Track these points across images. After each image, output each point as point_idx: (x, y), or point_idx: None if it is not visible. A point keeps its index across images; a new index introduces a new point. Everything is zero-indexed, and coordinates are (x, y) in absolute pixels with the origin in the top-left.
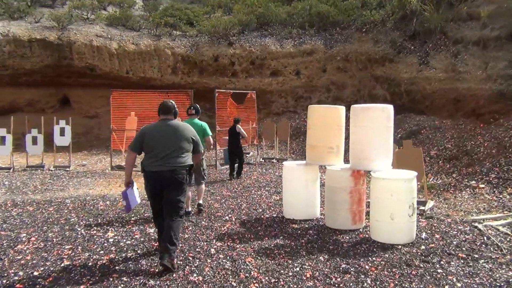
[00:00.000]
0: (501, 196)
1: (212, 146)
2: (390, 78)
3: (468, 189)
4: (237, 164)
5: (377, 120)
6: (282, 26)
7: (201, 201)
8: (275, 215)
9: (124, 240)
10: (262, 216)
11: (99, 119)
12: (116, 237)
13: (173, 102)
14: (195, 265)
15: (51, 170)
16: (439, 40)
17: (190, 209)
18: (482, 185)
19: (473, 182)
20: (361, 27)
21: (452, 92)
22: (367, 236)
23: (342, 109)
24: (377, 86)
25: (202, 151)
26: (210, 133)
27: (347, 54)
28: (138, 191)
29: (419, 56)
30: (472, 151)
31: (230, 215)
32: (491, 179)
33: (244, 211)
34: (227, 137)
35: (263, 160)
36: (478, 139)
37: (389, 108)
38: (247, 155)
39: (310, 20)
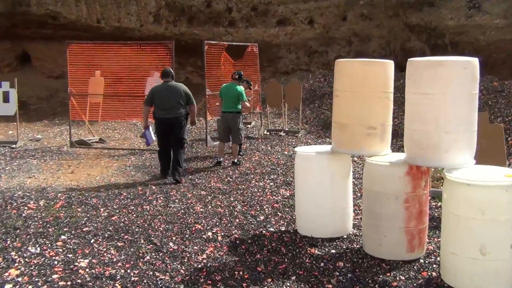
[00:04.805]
0: None
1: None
2: (429, 27)
3: None
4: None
5: (455, 83)
6: None
7: (235, 160)
8: (283, 229)
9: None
10: (264, 231)
11: (66, 79)
12: (20, 280)
13: (171, 69)
14: None
15: None
16: None
17: (221, 159)
18: None
19: None
20: None
21: None
22: (434, 275)
23: (390, 65)
24: (413, 37)
25: (194, 102)
26: (245, 99)
27: None
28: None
29: None
30: None
31: (215, 229)
32: None
33: (237, 220)
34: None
35: (267, 133)
36: None
37: (474, 64)
38: (247, 126)
39: None
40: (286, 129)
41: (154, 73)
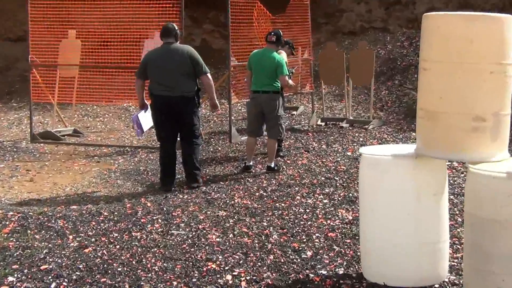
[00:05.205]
0: None
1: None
2: None
3: None
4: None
5: None
6: None
7: (272, 164)
8: (341, 271)
9: None
10: (311, 274)
11: (28, 43)
12: None
13: (174, 25)
14: None
15: None
16: None
17: (251, 162)
18: None
19: None
20: None
21: None
22: None
23: (509, 22)
24: None
25: (207, 72)
26: (286, 72)
27: None
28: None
29: None
30: None
31: (237, 270)
32: None
33: (271, 256)
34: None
35: (322, 124)
36: None
37: None
38: (292, 113)
39: None
40: (351, 118)
41: (155, 34)
